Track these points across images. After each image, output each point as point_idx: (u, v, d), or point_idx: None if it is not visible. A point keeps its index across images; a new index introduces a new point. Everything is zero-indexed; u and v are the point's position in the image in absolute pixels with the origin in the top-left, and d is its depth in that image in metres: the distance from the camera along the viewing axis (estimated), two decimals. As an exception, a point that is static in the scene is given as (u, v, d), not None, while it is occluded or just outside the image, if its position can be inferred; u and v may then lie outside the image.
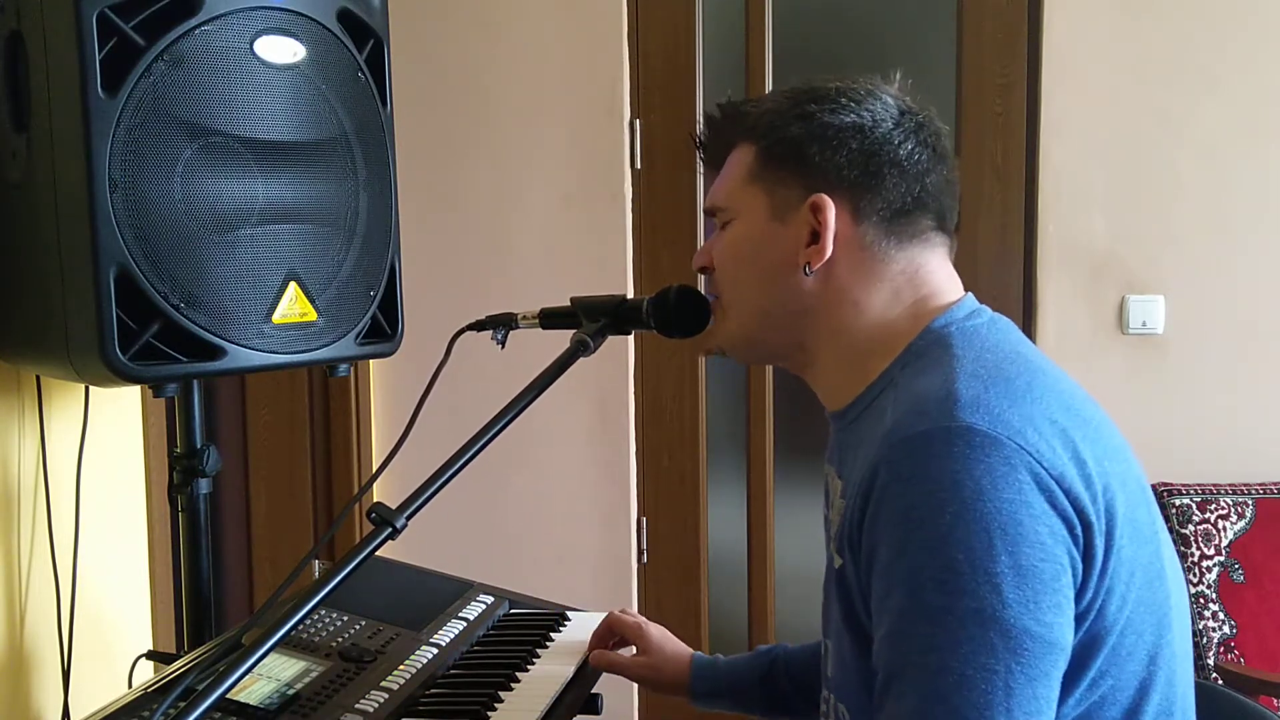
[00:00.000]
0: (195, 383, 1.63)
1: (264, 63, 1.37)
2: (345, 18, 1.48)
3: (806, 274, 1.14)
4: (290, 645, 1.42)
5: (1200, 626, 2.52)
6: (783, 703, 1.48)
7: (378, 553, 1.05)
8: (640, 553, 2.97)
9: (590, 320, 1.30)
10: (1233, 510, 2.60)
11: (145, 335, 1.32)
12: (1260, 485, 2.65)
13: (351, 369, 1.79)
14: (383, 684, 1.38)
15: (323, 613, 1.52)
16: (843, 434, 1.18)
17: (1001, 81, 2.78)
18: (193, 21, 1.31)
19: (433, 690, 1.43)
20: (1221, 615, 2.53)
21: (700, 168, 1.30)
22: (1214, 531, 2.58)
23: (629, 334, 1.34)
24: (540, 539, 2.93)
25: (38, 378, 1.65)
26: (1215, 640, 2.52)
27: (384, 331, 1.59)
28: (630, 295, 1.36)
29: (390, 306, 1.59)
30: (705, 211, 1.30)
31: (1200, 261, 2.73)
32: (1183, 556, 2.55)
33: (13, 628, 1.63)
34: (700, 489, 2.95)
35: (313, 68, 1.43)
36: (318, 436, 2.87)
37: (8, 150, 1.41)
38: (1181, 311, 2.74)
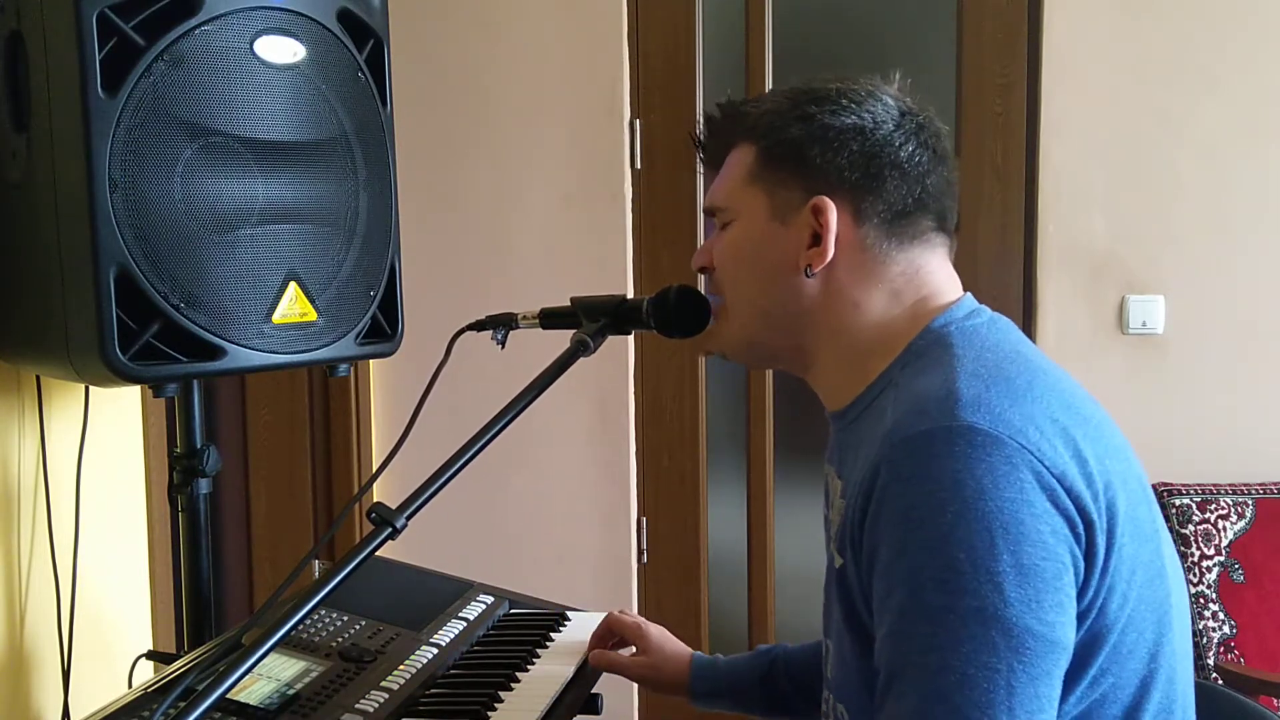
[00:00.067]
0: (195, 383, 1.63)
1: (264, 63, 1.37)
2: (345, 18, 1.48)
3: (808, 276, 1.14)
4: (290, 645, 1.41)
5: (1200, 626, 2.52)
6: (782, 703, 1.48)
7: (378, 553, 1.05)
8: (640, 553, 2.97)
9: (590, 320, 1.30)
10: (1233, 510, 2.60)
11: (145, 335, 1.32)
12: (1260, 485, 2.65)
13: (351, 369, 1.79)
14: (383, 684, 1.38)
15: (323, 613, 1.52)
16: (842, 434, 1.18)
17: (1001, 81, 2.78)
18: (193, 21, 1.31)
19: (433, 690, 1.43)
20: (1221, 615, 2.53)
21: (700, 167, 1.30)
22: (1214, 531, 2.58)
23: (629, 334, 1.34)
24: (540, 539, 2.93)
25: (38, 378, 1.65)
26: (1215, 640, 2.52)
27: (384, 331, 1.59)
28: (630, 295, 1.36)
29: (390, 306, 1.59)
30: (705, 211, 1.30)
31: (1200, 261, 2.73)
32: (1183, 556, 2.55)
33: (13, 628, 1.63)
34: (700, 489, 2.95)
35: (313, 68, 1.43)
36: (318, 436, 2.87)
37: (8, 150, 1.41)
38: (1181, 311, 2.74)
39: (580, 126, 2.87)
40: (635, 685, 2.26)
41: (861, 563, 1.01)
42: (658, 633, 1.55)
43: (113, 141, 1.27)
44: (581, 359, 1.25)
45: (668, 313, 1.29)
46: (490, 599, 1.72)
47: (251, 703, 1.26)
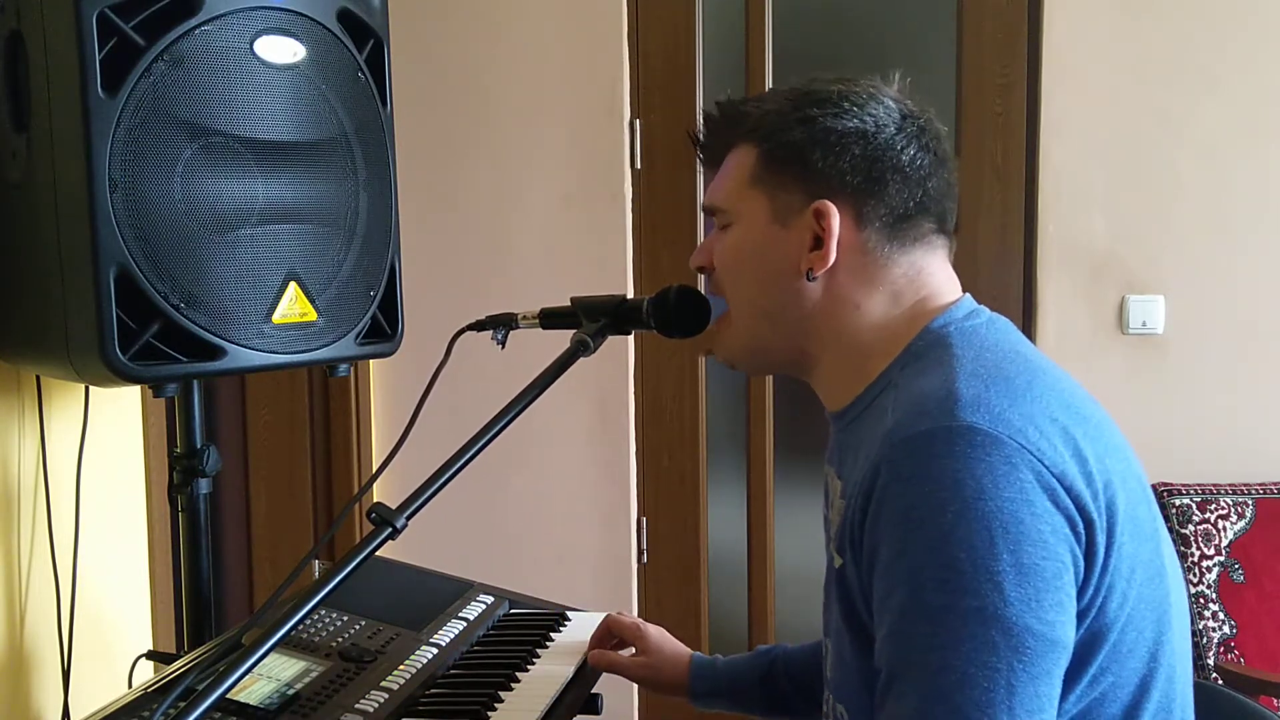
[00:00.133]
0: (195, 383, 1.63)
1: (264, 63, 1.37)
2: (345, 18, 1.48)
3: (809, 279, 1.13)
4: (290, 645, 1.41)
5: (1200, 626, 2.52)
6: (782, 703, 1.48)
7: (378, 553, 1.05)
8: (640, 553, 2.97)
9: (590, 320, 1.30)
10: (1233, 510, 2.60)
11: (145, 335, 1.32)
12: (1260, 485, 2.65)
13: (351, 369, 1.79)
14: (383, 684, 1.38)
15: (323, 613, 1.52)
16: (842, 434, 1.18)
17: (1001, 81, 2.78)
18: (193, 21, 1.31)
19: (433, 690, 1.43)
20: (1221, 615, 2.53)
21: (699, 166, 1.30)
22: (1214, 531, 2.58)
23: (629, 334, 1.34)
24: (540, 539, 2.93)
25: (38, 378, 1.65)
26: (1215, 640, 2.52)
27: (384, 331, 1.59)
28: (630, 295, 1.36)
29: (390, 306, 1.59)
30: (704, 210, 1.30)
31: (1200, 261, 2.73)
32: (1183, 556, 2.55)
33: (13, 628, 1.63)
34: (700, 489, 2.95)
35: (313, 68, 1.43)
36: (318, 436, 2.87)
37: (8, 150, 1.41)
38: (1181, 311, 2.74)
39: (580, 126, 2.87)
40: (635, 685, 2.26)
41: (861, 563, 1.01)
42: (657, 633, 1.55)
43: (113, 141, 1.27)
44: (581, 359, 1.25)
45: (668, 313, 1.29)
46: (490, 599, 1.72)
47: (251, 703, 1.26)
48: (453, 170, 2.90)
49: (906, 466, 0.96)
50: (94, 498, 1.76)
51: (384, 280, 1.57)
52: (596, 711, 1.57)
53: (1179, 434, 2.73)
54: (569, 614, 1.72)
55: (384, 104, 1.56)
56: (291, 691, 1.31)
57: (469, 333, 1.34)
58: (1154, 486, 2.32)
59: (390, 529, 1.04)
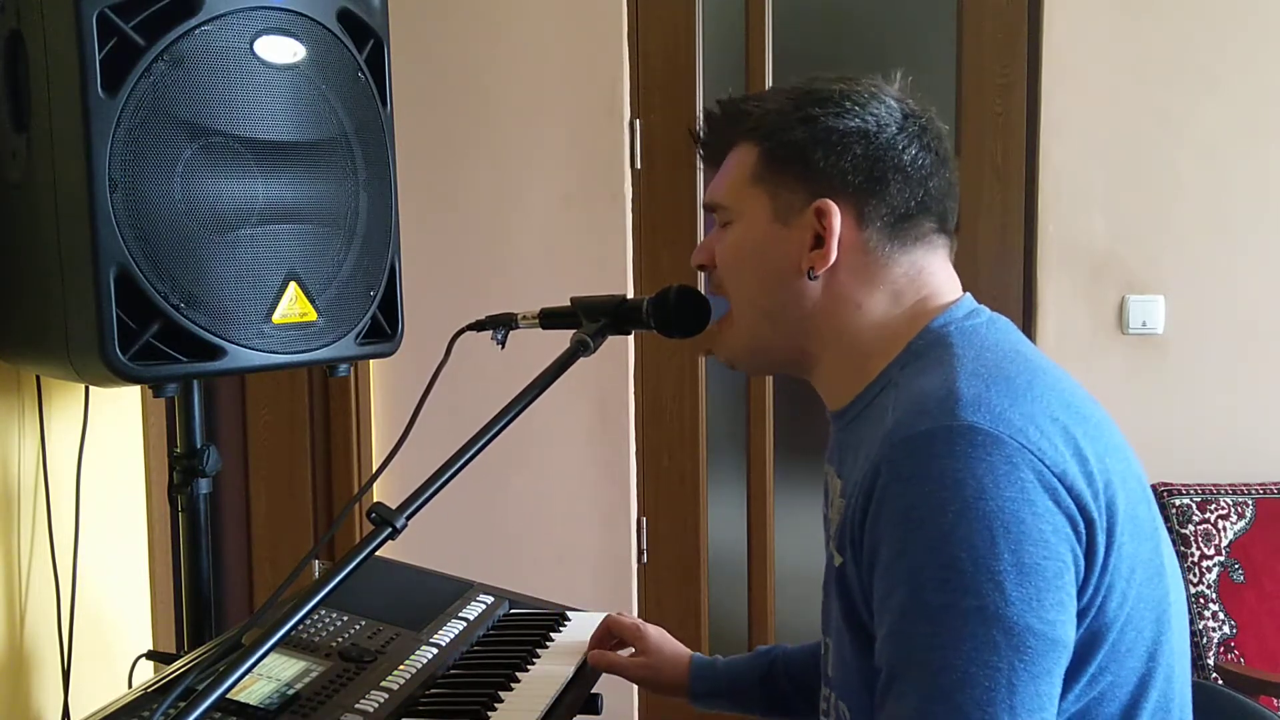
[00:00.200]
0: (195, 383, 1.63)
1: (264, 63, 1.37)
2: (345, 18, 1.48)
3: (810, 278, 1.13)
4: (290, 645, 1.41)
5: (1200, 626, 2.52)
6: (782, 703, 1.48)
7: (378, 553, 1.05)
8: (640, 553, 2.97)
9: (590, 320, 1.30)
10: (1233, 510, 2.60)
11: (145, 335, 1.32)
12: (1260, 485, 2.65)
13: (351, 369, 1.79)
14: (383, 684, 1.38)
15: (323, 613, 1.52)
16: (842, 433, 1.18)
17: (1001, 81, 2.78)
18: (193, 21, 1.31)
19: (433, 690, 1.43)
20: (1221, 615, 2.53)
21: (700, 164, 1.30)
22: (1214, 531, 2.58)
23: (629, 334, 1.34)
24: (540, 539, 2.93)
25: (38, 378, 1.65)
26: (1215, 640, 2.52)
27: (384, 331, 1.59)
28: (630, 295, 1.36)
29: (390, 306, 1.59)
30: (705, 207, 1.30)
31: (1200, 261, 2.73)
32: (1183, 556, 2.55)
33: (13, 628, 1.63)
34: (700, 489, 2.95)
35: (313, 68, 1.43)
36: (318, 436, 2.87)
37: (8, 150, 1.41)
38: (1181, 311, 2.74)
39: (580, 126, 2.87)
40: (635, 685, 2.26)
41: (862, 562, 1.01)
42: (656, 634, 1.55)
43: (113, 141, 1.27)
44: (581, 359, 1.24)
45: (668, 313, 1.29)
46: (490, 599, 1.72)
47: (251, 703, 1.26)
48: (453, 170, 2.90)
49: (907, 466, 0.97)
50: (94, 498, 1.76)
51: (384, 280, 1.57)
52: (596, 711, 1.57)
53: (1179, 434, 2.73)
54: (569, 614, 1.72)
55: (384, 104, 1.56)
56: (291, 691, 1.31)
57: (469, 333, 1.34)
58: (1154, 486, 2.33)
59: (390, 529, 1.04)
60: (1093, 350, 2.76)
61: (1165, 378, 2.75)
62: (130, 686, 1.66)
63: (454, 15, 2.89)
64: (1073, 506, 0.95)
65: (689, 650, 1.54)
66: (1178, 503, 2.60)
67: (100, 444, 1.77)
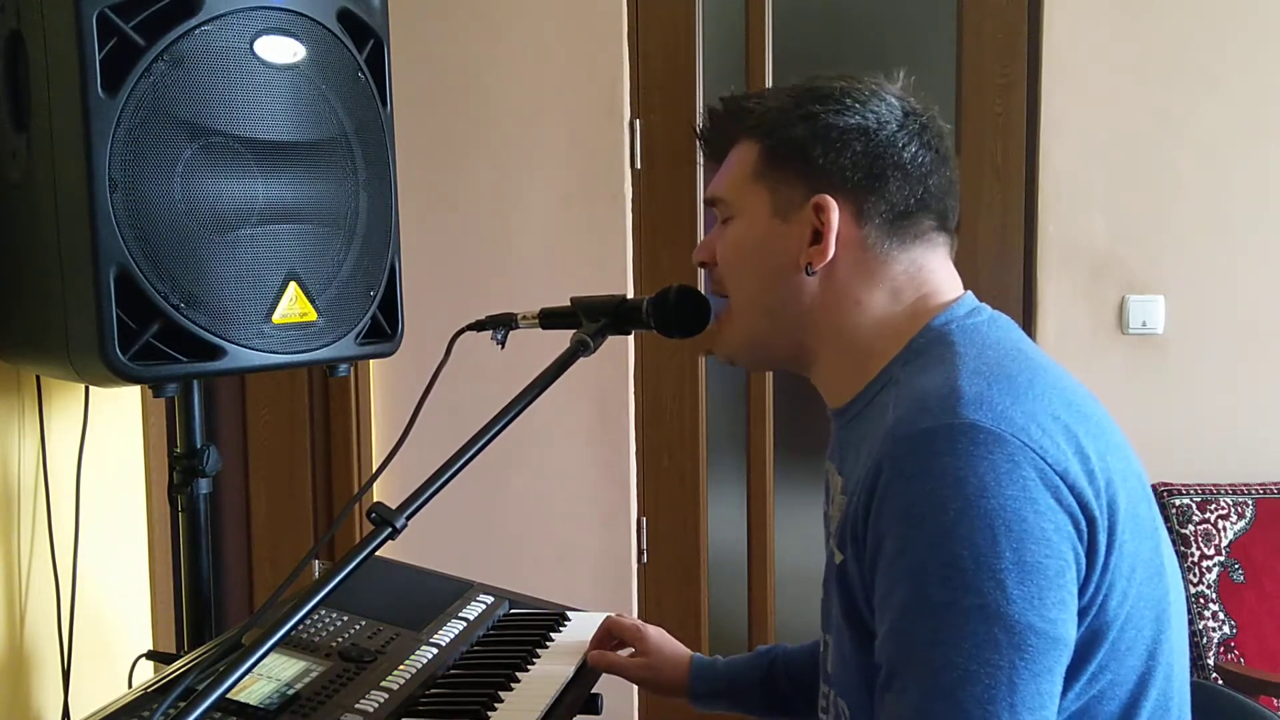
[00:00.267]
0: (195, 383, 1.63)
1: (264, 63, 1.37)
2: (345, 18, 1.48)
3: (809, 274, 1.14)
4: (290, 645, 1.41)
5: (1200, 626, 2.52)
6: (782, 703, 1.48)
7: (378, 553, 1.05)
8: (640, 553, 2.97)
9: (590, 320, 1.30)
10: (1233, 510, 2.60)
11: (145, 335, 1.32)
12: (1260, 485, 2.65)
13: (351, 369, 1.79)
14: (383, 684, 1.38)
15: (323, 613, 1.52)
16: (843, 431, 1.18)
17: (1001, 81, 2.78)
18: (193, 21, 1.31)
19: (433, 690, 1.43)
20: (1221, 615, 2.53)
21: (700, 161, 1.30)
22: (1214, 531, 2.58)
23: (629, 334, 1.34)
24: (540, 539, 2.93)
25: (38, 378, 1.65)
26: (1215, 640, 2.52)
27: (384, 331, 1.59)
28: (630, 295, 1.36)
29: (390, 306, 1.59)
30: (706, 202, 1.30)
31: (1200, 261, 2.73)
32: (1183, 556, 2.55)
33: (13, 628, 1.63)
34: (700, 489, 2.95)
35: (313, 68, 1.43)
36: (318, 436, 2.87)
37: (8, 150, 1.41)
38: (1181, 311, 2.74)
39: (580, 126, 2.87)
40: (635, 685, 2.26)
41: (863, 559, 1.02)
42: (656, 634, 1.55)
43: (113, 141, 1.27)
44: (581, 359, 1.25)
45: (668, 313, 1.29)
46: (490, 599, 1.72)
47: (251, 703, 1.26)
48: (453, 170, 2.90)
49: (908, 463, 0.97)
50: (94, 498, 1.76)
51: (384, 280, 1.57)
52: (596, 711, 1.57)
53: (1179, 434, 2.73)
54: (569, 614, 1.72)
55: (384, 104, 1.56)
56: (291, 691, 1.31)
57: (469, 333, 1.35)
58: (1154, 486, 2.32)
59: (390, 529, 1.04)
60: (1093, 350, 2.76)
61: (1165, 378, 2.75)
62: (130, 686, 1.66)
63: (454, 15, 2.88)
64: (1074, 505, 0.95)
65: (689, 651, 1.54)
66: (1178, 503, 2.60)
67: (100, 444, 1.77)
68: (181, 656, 1.54)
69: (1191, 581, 2.54)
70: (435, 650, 1.51)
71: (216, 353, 1.36)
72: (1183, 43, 2.70)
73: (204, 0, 1.32)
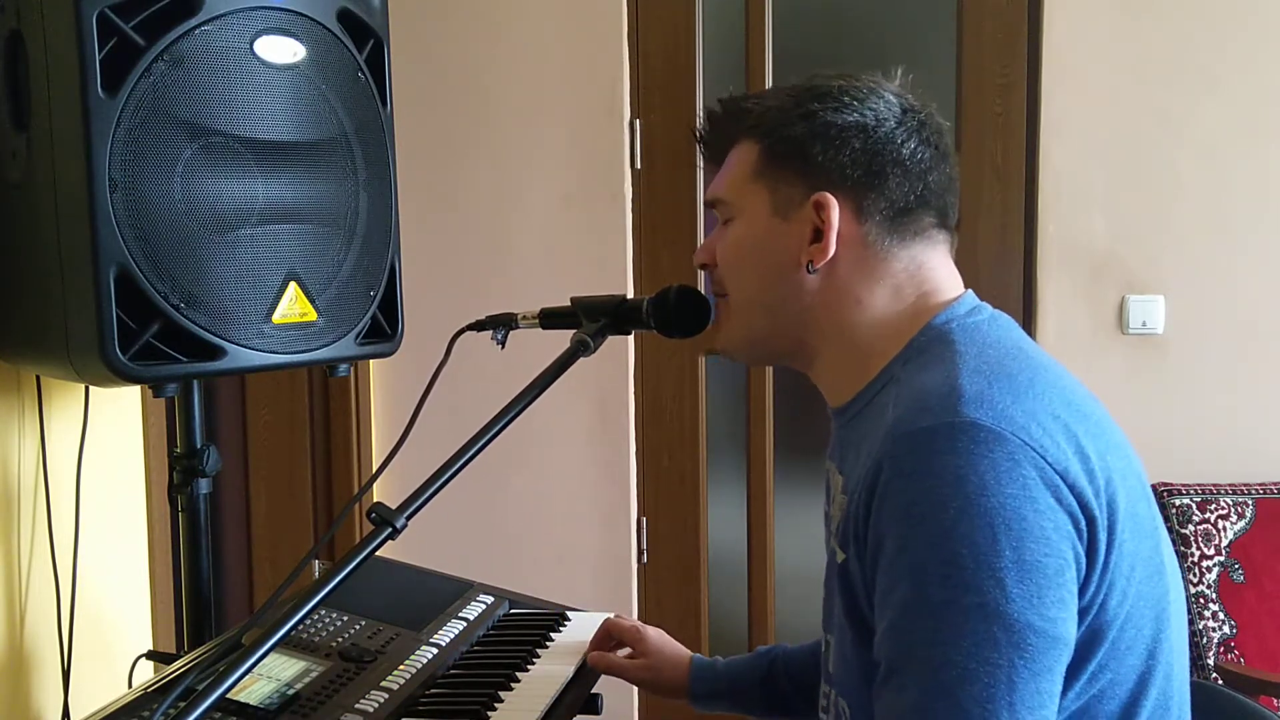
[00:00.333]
0: (195, 383, 1.63)
1: (264, 63, 1.37)
2: (345, 18, 1.48)
3: (809, 271, 1.14)
4: (290, 645, 1.41)
5: (1200, 626, 2.52)
6: (783, 703, 1.48)
7: (378, 553, 1.05)
8: (640, 553, 2.97)
9: (590, 320, 1.30)
10: (1233, 510, 2.60)
11: (145, 335, 1.32)
12: (1260, 485, 2.65)
13: (351, 369, 1.79)
14: (383, 684, 1.38)
15: (323, 613, 1.52)
16: (844, 430, 1.18)
17: (1001, 81, 2.78)
18: (193, 21, 1.31)
19: (433, 690, 1.43)
20: (1221, 615, 2.53)
21: (700, 163, 1.30)
22: (1214, 531, 2.58)
23: (629, 334, 1.34)
24: (540, 539, 2.93)
25: (38, 378, 1.65)
26: (1215, 640, 2.52)
27: (384, 331, 1.59)
28: (630, 295, 1.36)
29: (390, 306, 1.59)
30: (706, 204, 1.30)
31: (1200, 261, 2.73)
32: (1183, 556, 2.55)
33: (13, 628, 1.63)
34: (700, 489, 2.95)
35: (313, 68, 1.43)
36: (318, 436, 2.87)
37: (8, 150, 1.41)
38: (1181, 311, 2.74)
39: (580, 126, 2.87)
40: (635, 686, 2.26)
41: (864, 557, 1.02)
42: (656, 635, 1.55)
43: (113, 141, 1.27)
44: (581, 359, 1.25)
45: (668, 313, 1.29)
46: (490, 599, 1.72)
47: (251, 703, 1.26)
48: (453, 170, 2.90)
49: (909, 462, 0.97)
50: (94, 498, 1.76)
51: (384, 280, 1.57)
52: (596, 711, 1.57)
53: (1179, 434, 2.72)
54: (569, 614, 1.72)
55: (384, 104, 1.56)
56: (291, 691, 1.31)
57: (469, 333, 1.35)
58: (1154, 486, 2.32)
59: (390, 529, 1.04)
60: (1093, 350, 2.76)
61: (1165, 378, 2.75)
62: (130, 686, 1.66)
63: (454, 15, 2.89)
64: (1074, 504, 0.95)
65: (689, 651, 1.54)
66: (1178, 503, 2.60)
67: (100, 444, 1.77)
68: (181, 656, 1.54)
69: (1191, 581, 2.54)
70: (435, 650, 1.51)
71: (216, 353, 1.36)
72: (1183, 43, 2.70)
73: (204, 0, 1.32)
